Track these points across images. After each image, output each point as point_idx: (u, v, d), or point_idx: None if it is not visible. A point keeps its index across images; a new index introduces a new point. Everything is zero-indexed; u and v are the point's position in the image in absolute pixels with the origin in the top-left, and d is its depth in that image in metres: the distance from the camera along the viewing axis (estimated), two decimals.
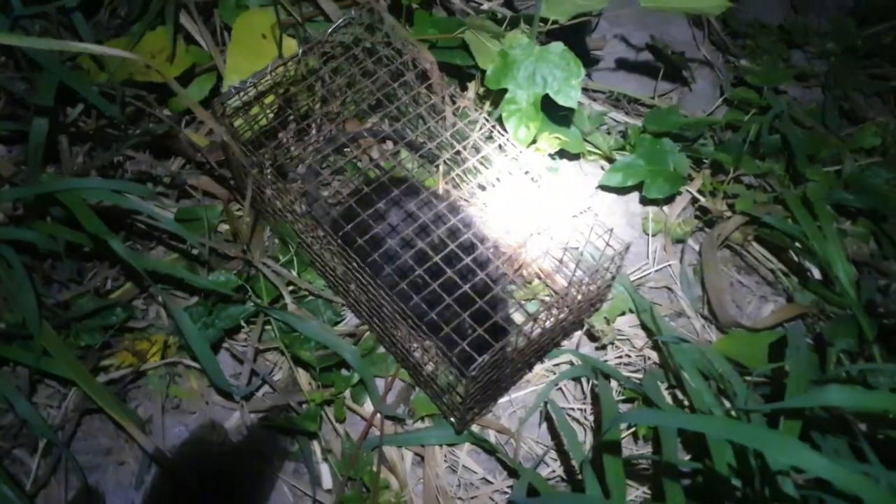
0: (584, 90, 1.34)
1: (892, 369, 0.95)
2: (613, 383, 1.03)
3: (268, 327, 1.06)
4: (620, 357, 1.07)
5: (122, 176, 1.15)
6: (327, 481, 0.98)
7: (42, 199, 1.02)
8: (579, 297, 0.95)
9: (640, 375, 1.05)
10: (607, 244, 0.92)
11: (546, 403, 1.00)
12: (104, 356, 1.02)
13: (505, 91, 1.13)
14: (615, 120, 1.32)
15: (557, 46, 1.11)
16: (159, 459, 0.97)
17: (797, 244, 1.17)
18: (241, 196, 1.08)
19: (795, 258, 1.18)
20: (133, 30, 1.17)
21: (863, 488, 0.62)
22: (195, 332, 1.00)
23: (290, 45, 1.14)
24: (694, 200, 1.22)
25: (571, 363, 1.06)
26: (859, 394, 0.76)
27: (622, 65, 1.40)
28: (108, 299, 1.05)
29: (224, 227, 1.13)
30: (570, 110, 1.15)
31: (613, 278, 0.98)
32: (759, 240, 1.20)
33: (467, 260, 0.92)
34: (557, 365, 1.07)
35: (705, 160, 1.25)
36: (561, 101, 1.11)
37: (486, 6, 1.38)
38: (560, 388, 1.05)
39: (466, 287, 0.91)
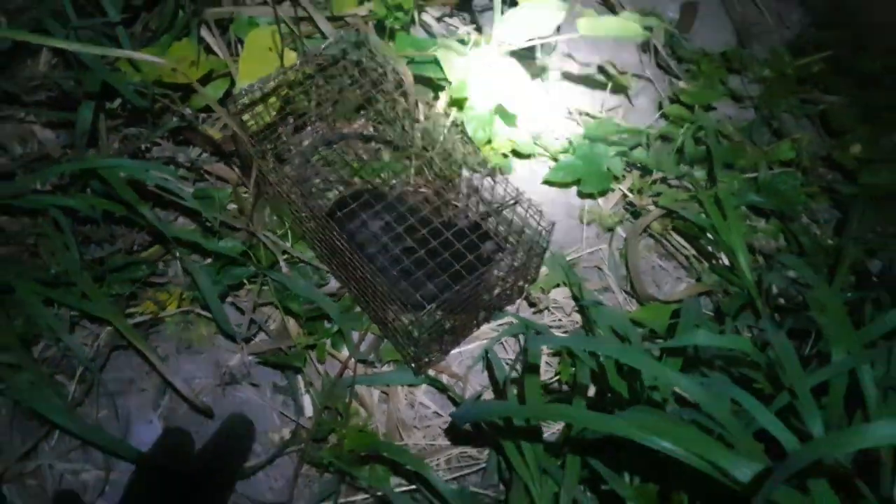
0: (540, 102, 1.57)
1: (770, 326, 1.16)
2: None
3: (265, 287, 1.26)
4: (553, 320, 1.30)
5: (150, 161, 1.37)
6: (308, 410, 1.20)
7: (84, 175, 1.24)
8: (516, 263, 1.19)
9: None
10: (538, 223, 1.15)
11: (487, 353, 1.23)
12: (130, 305, 1.24)
13: (467, 99, 1.36)
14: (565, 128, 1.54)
15: (511, 63, 1.35)
16: (174, 388, 1.19)
17: (708, 235, 1.38)
18: (248, 179, 1.30)
19: (708, 247, 1.39)
20: (162, 40, 1.36)
21: (697, 392, 0.85)
22: (209, 285, 1.21)
23: (291, 57, 1.35)
24: (625, 196, 1.44)
25: (512, 323, 1.28)
26: (716, 336, 0.99)
27: (576, 82, 1.62)
28: (136, 257, 1.26)
29: (232, 205, 1.34)
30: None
31: (545, 250, 1.20)
32: (677, 230, 1.41)
33: (423, 231, 1.15)
34: (501, 325, 1.28)
35: (637, 164, 1.47)
36: (511, 109, 1.34)
37: (461, 30, 1.61)
38: (502, 343, 1.27)
39: (422, 251, 1.14)
